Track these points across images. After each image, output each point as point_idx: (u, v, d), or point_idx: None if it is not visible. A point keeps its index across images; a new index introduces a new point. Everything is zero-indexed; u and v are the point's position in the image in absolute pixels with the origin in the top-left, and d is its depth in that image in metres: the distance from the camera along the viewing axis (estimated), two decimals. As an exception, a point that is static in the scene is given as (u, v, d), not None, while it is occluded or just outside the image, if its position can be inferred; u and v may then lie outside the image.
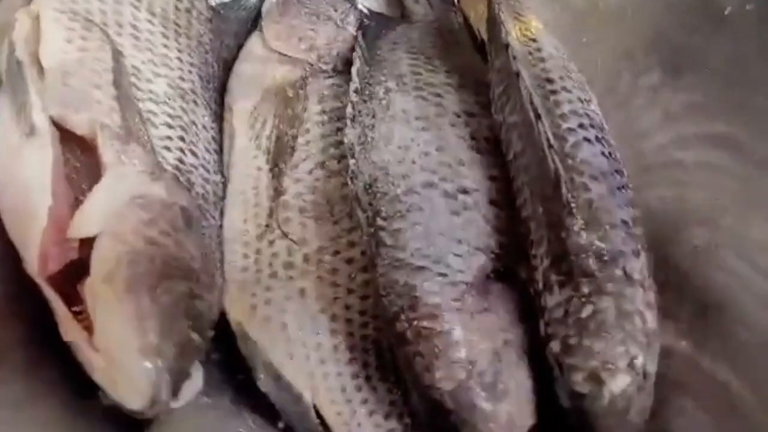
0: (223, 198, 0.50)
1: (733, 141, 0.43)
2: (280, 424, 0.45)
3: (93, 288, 0.37)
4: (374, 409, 0.45)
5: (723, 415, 0.43)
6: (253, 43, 0.55)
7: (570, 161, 0.39)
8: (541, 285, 0.40)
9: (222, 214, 0.49)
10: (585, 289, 0.38)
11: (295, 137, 0.50)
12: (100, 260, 0.37)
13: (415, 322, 0.41)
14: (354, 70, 0.48)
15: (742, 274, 0.44)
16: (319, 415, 0.45)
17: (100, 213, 0.38)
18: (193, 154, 0.47)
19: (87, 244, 0.39)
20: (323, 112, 0.51)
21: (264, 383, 0.45)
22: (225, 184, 0.50)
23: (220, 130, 0.52)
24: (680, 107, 0.49)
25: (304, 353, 0.45)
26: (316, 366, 0.45)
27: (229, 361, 0.46)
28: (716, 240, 0.46)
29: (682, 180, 0.46)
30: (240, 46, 0.56)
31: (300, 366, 0.45)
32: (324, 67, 0.53)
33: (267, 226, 0.48)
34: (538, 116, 0.40)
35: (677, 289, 0.47)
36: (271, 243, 0.47)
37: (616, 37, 0.53)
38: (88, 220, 0.37)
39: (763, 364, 0.42)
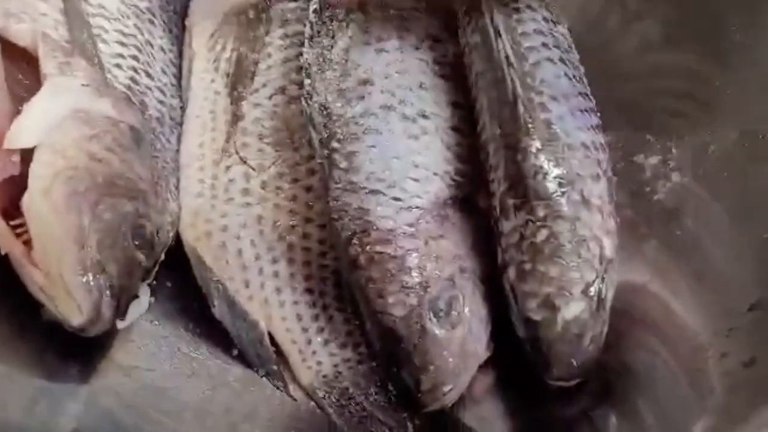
0: (182, 124, 0.48)
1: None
2: (234, 352, 0.44)
3: (31, 201, 0.36)
4: (330, 339, 0.44)
5: (684, 352, 0.42)
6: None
7: (529, 80, 0.38)
8: (498, 210, 0.39)
9: (179, 140, 0.48)
10: (540, 213, 0.37)
11: (255, 61, 0.48)
12: (38, 173, 0.36)
13: (368, 247, 0.40)
14: (315, -11, 0.46)
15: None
16: (273, 343, 0.44)
17: (39, 124, 0.36)
18: (148, 75, 0.46)
19: (28, 159, 0.37)
20: (286, 36, 0.49)
21: (218, 310, 0.44)
22: (184, 109, 0.49)
23: (181, 54, 0.51)
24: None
25: (260, 281, 0.44)
26: (272, 294, 0.44)
27: (183, 288, 0.45)
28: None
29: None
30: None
31: (255, 293, 0.44)
32: (288, -10, 0.51)
33: (224, 151, 0.46)
34: (498, 34, 0.39)
35: (646, 223, 0.46)
36: (228, 168, 0.46)
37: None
38: (25, 131, 0.36)
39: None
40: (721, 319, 0.40)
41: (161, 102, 0.46)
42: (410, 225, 0.40)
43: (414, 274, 0.39)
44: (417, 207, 0.40)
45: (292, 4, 0.50)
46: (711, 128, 0.46)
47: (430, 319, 0.39)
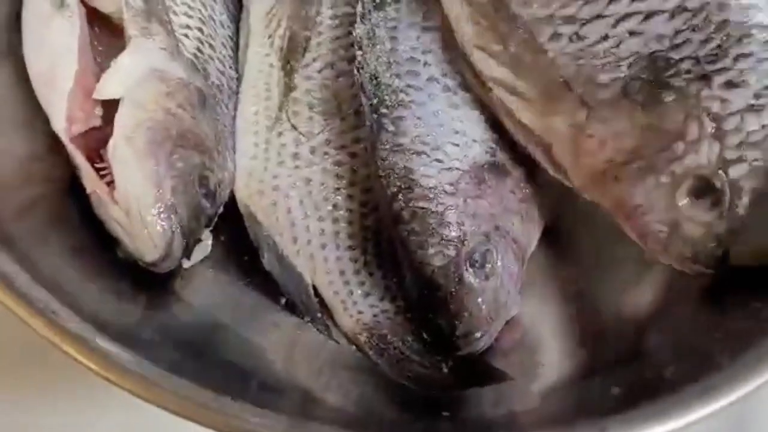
0: (238, 93, 0.52)
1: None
2: (282, 301, 0.48)
3: (115, 147, 0.40)
4: (369, 292, 0.48)
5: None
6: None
7: None
8: None
9: (236, 107, 0.52)
10: None
11: (307, 38, 0.52)
12: (122, 123, 0.40)
13: (411, 203, 0.43)
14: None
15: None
16: (317, 294, 0.48)
17: (124, 79, 0.41)
18: (211, 46, 0.50)
19: (110, 113, 0.42)
20: (335, 16, 0.53)
21: (268, 263, 0.48)
22: (239, 81, 0.53)
23: (237, 32, 0.55)
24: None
25: (307, 237, 0.48)
26: (317, 249, 0.48)
27: (237, 242, 0.49)
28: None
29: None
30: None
31: (302, 248, 0.48)
32: (339, -27, 0.55)
33: (277, 118, 0.50)
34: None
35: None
36: (280, 134, 0.50)
37: None
38: (111, 83, 0.40)
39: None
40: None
41: (221, 72, 0.50)
42: (450, 184, 0.44)
43: (453, 228, 0.43)
44: (457, 168, 0.44)
45: (343, -14, 0.54)
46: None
47: (466, 269, 0.43)
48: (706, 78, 0.38)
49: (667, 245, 0.39)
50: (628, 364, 0.42)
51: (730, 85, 0.38)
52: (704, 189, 0.38)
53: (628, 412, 0.32)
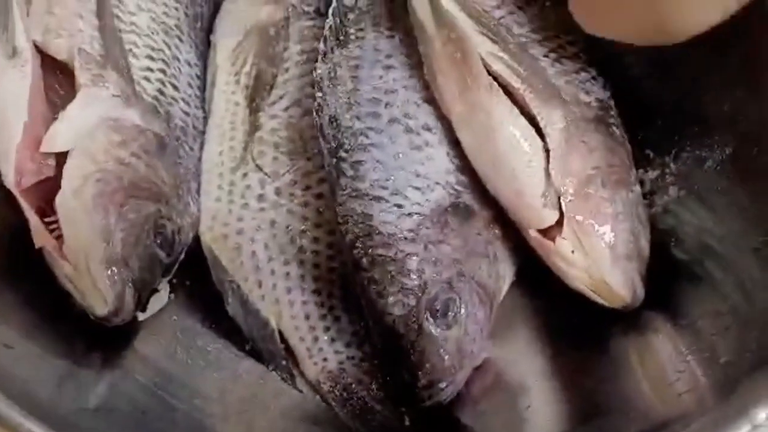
0: (204, 132, 0.52)
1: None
2: (247, 347, 0.47)
3: (63, 200, 0.39)
4: (335, 337, 0.47)
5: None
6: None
7: None
8: None
9: (202, 147, 0.51)
10: None
11: (274, 75, 0.52)
12: (70, 175, 0.40)
13: (370, 250, 0.42)
14: (331, 9, 0.49)
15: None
16: (283, 340, 0.47)
17: (72, 130, 0.40)
18: (174, 87, 0.49)
19: (62, 162, 0.41)
20: (303, 52, 0.52)
21: (232, 308, 0.47)
22: (206, 120, 0.52)
23: (206, 69, 0.54)
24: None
25: (272, 281, 0.47)
26: (283, 294, 0.47)
27: (200, 287, 0.48)
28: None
29: None
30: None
31: (267, 293, 0.47)
32: (306, 9, 0.54)
33: (241, 158, 0.50)
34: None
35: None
36: (245, 175, 0.49)
37: None
38: (59, 136, 0.39)
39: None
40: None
41: (186, 112, 0.50)
42: (411, 230, 0.43)
43: (413, 276, 0.42)
44: (417, 213, 0.43)
45: (310, 23, 0.54)
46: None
47: (427, 318, 0.41)
48: None
49: None
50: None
51: None
52: None
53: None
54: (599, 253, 0.42)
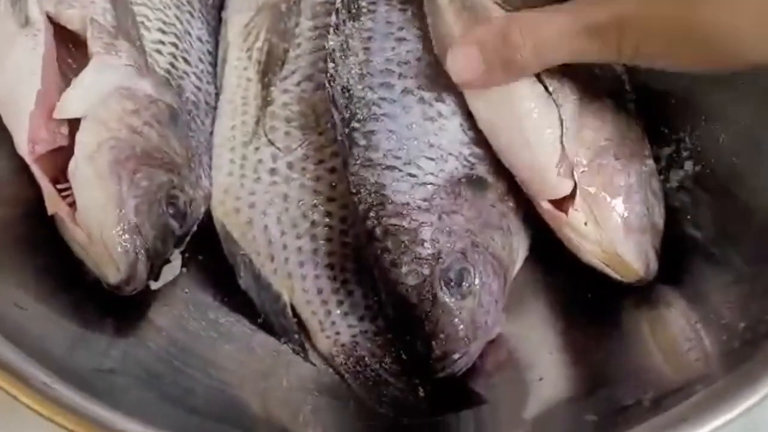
0: (215, 108, 0.51)
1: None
2: (259, 320, 0.47)
3: (76, 167, 0.39)
4: (348, 311, 0.46)
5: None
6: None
7: None
8: None
9: (213, 123, 0.51)
10: None
11: (286, 51, 0.51)
12: (83, 142, 0.39)
13: (384, 220, 0.42)
14: (342, -19, 0.49)
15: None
16: (295, 314, 0.46)
17: (85, 97, 0.40)
18: (186, 61, 0.49)
19: (75, 132, 0.41)
20: (315, 27, 0.52)
21: (245, 282, 0.47)
22: (218, 96, 0.52)
23: (217, 46, 0.54)
24: None
25: (284, 255, 0.47)
26: (295, 268, 0.47)
27: (213, 261, 0.48)
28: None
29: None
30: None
31: (279, 267, 0.47)
32: (318, -17, 0.54)
33: (254, 133, 0.49)
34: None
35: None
36: (257, 150, 0.49)
37: None
38: (72, 102, 0.39)
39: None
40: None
41: (197, 87, 0.50)
42: (424, 200, 0.42)
43: (427, 245, 0.41)
44: (431, 183, 0.43)
45: (322, -2, 0.53)
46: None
47: (441, 288, 0.41)
48: None
49: None
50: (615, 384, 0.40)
51: None
52: None
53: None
54: (612, 225, 0.42)
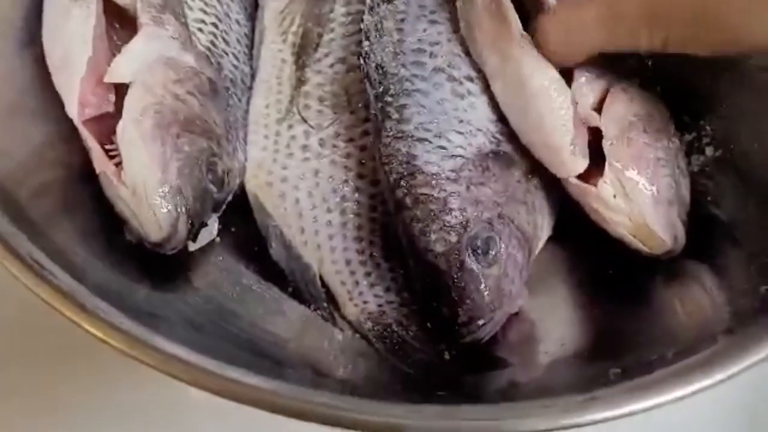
0: (251, 88, 0.54)
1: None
2: (289, 289, 0.48)
3: (123, 129, 0.41)
4: (375, 282, 0.48)
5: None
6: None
7: None
8: None
9: (248, 102, 0.53)
10: None
11: (320, 35, 0.53)
12: (131, 106, 0.42)
13: (414, 189, 0.43)
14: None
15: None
16: (324, 284, 0.48)
17: (133, 63, 0.42)
18: (225, 41, 0.51)
19: (122, 101, 0.43)
20: (348, 13, 0.54)
21: (276, 252, 0.48)
22: (253, 77, 0.54)
23: (253, 31, 0.56)
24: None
25: (314, 228, 0.49)
26: (325, 240, 0.48)
27: (246, 232, 0.50)
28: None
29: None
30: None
31: (309, 239, 0.49)
32: (352, -29, 0.56)
33: (287, 111, 0.51)
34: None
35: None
36: (290, 127, 0.51)
37: None
38: (122, 68, 0.41)
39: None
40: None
41: (235, 66, 0.52)
42: (453, 171, 0.44)
43: (455, 214, 0.43)
44: (460, 156, 0.44)
45: (356, -14, 0.56)
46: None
47: (468, 255, 0.42)
48: None
49: None
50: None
51: None
52: None
53: (622, 383, 0.31)
54: (641, 197, 0.43)
